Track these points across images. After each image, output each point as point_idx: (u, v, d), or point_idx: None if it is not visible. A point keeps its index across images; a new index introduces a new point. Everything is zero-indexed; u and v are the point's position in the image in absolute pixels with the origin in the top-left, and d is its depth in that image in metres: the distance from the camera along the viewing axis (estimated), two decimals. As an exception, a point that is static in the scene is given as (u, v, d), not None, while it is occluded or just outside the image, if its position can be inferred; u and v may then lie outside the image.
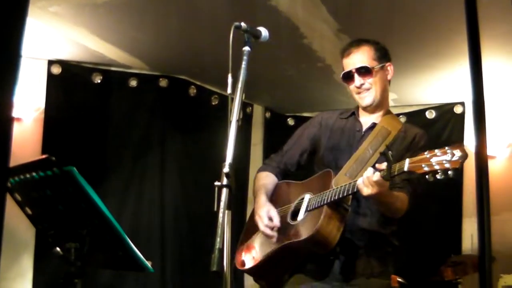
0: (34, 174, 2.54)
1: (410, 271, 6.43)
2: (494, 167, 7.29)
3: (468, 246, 7.12)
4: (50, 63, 6.58)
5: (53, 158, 2.42)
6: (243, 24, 2.91)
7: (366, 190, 3.12)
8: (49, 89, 6.55)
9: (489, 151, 7.31)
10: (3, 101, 1.72)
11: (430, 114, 7.80)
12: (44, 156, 2.44)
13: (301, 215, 3.51)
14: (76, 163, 2.50)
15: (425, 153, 2.93)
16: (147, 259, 2.79)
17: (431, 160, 2.88)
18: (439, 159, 2.86)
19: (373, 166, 3.16)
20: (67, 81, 6.64)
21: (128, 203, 6.81)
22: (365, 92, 3.68)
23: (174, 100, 7.29)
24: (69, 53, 6.46)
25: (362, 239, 3.53)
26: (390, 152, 3.04)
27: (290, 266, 3.63)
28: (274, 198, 3.86)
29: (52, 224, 2.81)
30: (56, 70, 6.58)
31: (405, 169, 2.96)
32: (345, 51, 3.80)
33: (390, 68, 3.80)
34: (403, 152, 3.52)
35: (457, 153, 2.84)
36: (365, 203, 3.51)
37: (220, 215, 2.40)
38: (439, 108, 7.79)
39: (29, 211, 2.84)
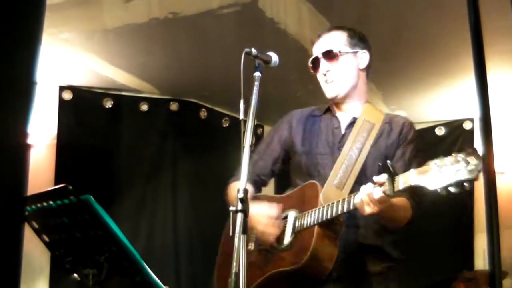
0: (51, 202, 2.56)
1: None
2: (504, 183, 7.27)
3: (481, 262, 7.09)
4: (61, 89, 6.63)
5: (70, 187, 2.44)
6: (253, 50, 2.90)
7: (368, 209, 2.79)
8: (60, 115, 6.60)
9: (498, 167, 7.30)
10: (19, 129, 1.76)
11: (440, 131, 7.79)
12: (61, 185, 2.47)
13: (287, 238, 3.17)
14: (89, 188, 2.52)
15: (434, 161, 2.56)
16: (163, 283, 2.80)
17: (441, 170, 2.51)
18: (451, 169, 2.49)
19: (372, 181, 2.79)
20: (78, 106, 6.69)
21: (141, 226, 6.81)
22: (332, 80, 3.34)
23: (185, 123, 7.32)
24: (80, 79, 6.52)
25: (357, 255, 3.19)
26: (389, 162, 2.70)
27: None
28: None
29: (69, 250, 2.83)
30: (68, 96, 6.63)
31: (412, 183, 2.61)
32: (318, 36, 3.51)
33: (365, 55, 3.43)
34: (392, 148, 3.26)
35: (472, 161, 2.45)
36: (356, 212, 3.01)
37: (236, 239, 2.38)
38: (448, 124, 7.78)
39: (46, 238, 2.85)
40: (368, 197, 2.77)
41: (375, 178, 2.77)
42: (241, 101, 2.74)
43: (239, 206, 2.46)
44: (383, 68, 6.22)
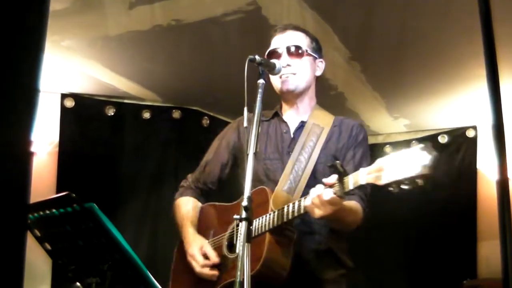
0: (54, 210, 2.55)
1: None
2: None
3: (484, 270, 7.06)
4: (63, 96, 6.61)
5: (73, 195, 2.42)
6: (257, 57, 2.88)
7: (318, 212, 2.70)
8: (62, 122, 6.58)
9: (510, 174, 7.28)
10: (22, 138, 1.74)
11: (443, 139, 7.75)
12: (64, 193, 2.45)
13: (238, 246, 2.94)
14: (91, 196, 2.51)
15: (383, 159, 2.50)
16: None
17: (392, 167, 2.45)
18: (401, 166, 2.40)
19: (322, 182, 2.73)
20: (80, 114, 6.68)
21: (143, 234, 6.77)
22: (291, 75, 3.26)
23: (188, 131, 7.28)
24: (82, 86, 6.51)
25: (312, 262, 3.12)
26: (338, 162, 2.62)
27: None
28: (201, 226, 3.46)
29: (72, 259, 2.81)
30: (70, 103, 6.61)
31: (362, 182, 2.55)
32: (278, 29, 3.44)
33: (321, 64, 3.43)
34: (342, 151, 3.23)
35: (424, 156, 2.37)
36: (309, 218, 2.92)
37: (240, 248, 2.37)
38: (451, 132, 7.74)
39: (48, 247, 2.84)
40: (318, 198, 2.68)
41: (325, 180, 2.70)
42: (245, 108, 2.71)
43: (243, 214, 2.42)
44: (387, 77, 6.23)
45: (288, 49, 3.29)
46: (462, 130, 7.66)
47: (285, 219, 2.88)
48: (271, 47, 3.37)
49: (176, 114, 7.22)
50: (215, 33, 5.24)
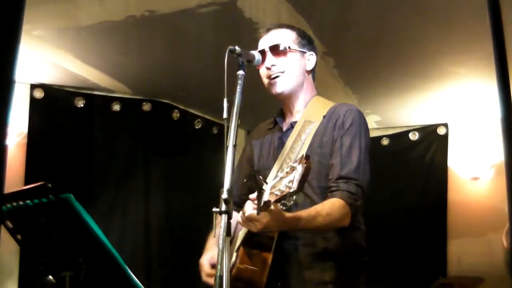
0: (28, 201, 2.49)
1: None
2: (478, 188, 7.31)
3: (455, 268, 7.11)
4: (33, 87, 6.52)
5: (50, 185, 2.37)
6: (237, 47, 2.85)
7: (252, 227, 2.68)
8: (31, 113, 6.50)
9: (473, 172, 7.34)
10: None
11: (414, 136, 7.80)
12: (39, 183, 2.39)
13: (234, 256, 3.03)
14: (59, 188, 2.43)
15: (280, 172, 2.52)
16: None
17: (282, 182, 2.44)
18: (288, 180, 2.40)
19: (311, 187, 2.81)
20: (50, 105, 6.59)
21: (112, 228, 6.69)
22: (277, 77, 3.21)
23: (158, 124, 7.25)
24: (52, 77, 6.41)
25: (306, 265, 3.06)
26: (260, 177, 2.55)
27: None
28: (234, 234, 3.30)
29: (45, 251, 2.75)
30: (39, 94, 6.52)
31: (265, 198, 2.51)
32: (264, 30, 3.40)
33: (312, 57, 3.37)
34: (328, 144, 3.12)
35: (299, 168, 2.35)
36: None
37: (220, 241, 2.32)
38: (422, 129, 7.80)
39: (20, 238, 2.78)
40: (244, 215, 2.68)
41: (250, 196, 2.70)
42: (225, 100, 2.67)
43: (223, 207, 2.38)
44: (359, 73, 6.23)
45: (271, 49, 3.24)
46: (434, 127, 7.73)
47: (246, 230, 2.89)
48: (258, 49, 3.28)
49: (146, 107, 7.18)
50: (188, 25, 5.18)
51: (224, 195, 2.40)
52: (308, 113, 3.29)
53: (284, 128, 3.36)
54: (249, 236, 2.91)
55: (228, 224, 2.37)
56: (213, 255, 3.13)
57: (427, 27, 5.03)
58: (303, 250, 3.08)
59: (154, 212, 7.09)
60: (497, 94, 1.30)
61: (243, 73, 2.85)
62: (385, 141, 7.88)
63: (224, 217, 2.37)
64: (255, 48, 3.25)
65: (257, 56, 3.09)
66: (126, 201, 7.00)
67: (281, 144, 3.28)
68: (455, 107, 7.05)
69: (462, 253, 7.08)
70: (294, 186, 2.35)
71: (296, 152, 3.13)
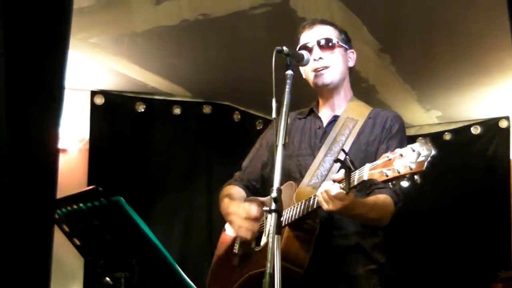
0: (81, 205, 2.54)
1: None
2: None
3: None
4: (93, 93, 6.62)
5: (100, 189, 2.41)
6: (285, 48, 2.87)
7: (326, 206, 2.71)
8: (92, 119, 6.60)
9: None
10: (49, 134, 1.74)
11: (476, 130, 7.66)
12: (91, 187, 2.44)
13: (263, 240, 3.05)
14: (122, 192, 2.49)
15: (388, 154, 2.47)
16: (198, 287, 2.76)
17: (394, 163, 2.41)
18: (404, 162, 2.37)
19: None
20: (110, 111, 6.69)
21: (175, 230, 6.76)
22: (324, 69, 3.23)
23: (219, 126, 7.26)
24: (111, 83, 6.51)
25: (339, 257, 3.10)
26: (348, 157, 2.57)
27: None
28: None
29: (100, 254, 2.81)
30: (99, 100, 6.62)
31: (365, 177, 2.53)
32: (306, 25, 3.40)
33: (352, 55, 3.42)
34: (375, 144, 3.18)
35: (423, 151, 2.32)
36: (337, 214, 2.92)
37: (270, 240, 2.33)
38: (484, 123, 7.64)
39: (77, 242, 2.84)
40: (326, 193, 2.69)
41: (333, 176, 2.71)
42: (273, 100, 2.70)
43: (273, 206, 2.40)
44: (417, 68, 6.16)
45: (318, 42, 3.26)
46: (495, 120, 7.56)
47: (301, 214, 2.88)
48: (300, 43, 3.34)
49: (207, 109, 7.19)
50: (242, 27, 5.21)
51: (274, 194, 2.43)
52: (350, 111, 3.33)
53: (326, 120, 3.37)
54: (295, 221, 2.91)
55: (279, 222, 2.39)
56: (244, 204, 3.14)
57: (481, 21, 4.95)
58: (337, 241, 3.11)
59: (216, 213, 7.10)
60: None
61: (292, 73, 2.87)
62: (447, 136, 7.75)
63: (274, 215, 2.38)
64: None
65: (306, 55, 3.10)
66: (189, 204, 7.02)
67: (324, 134, 3.30)
68: (517, 99, 6.93)
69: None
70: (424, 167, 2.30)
71: (339, 145, 3.16)
